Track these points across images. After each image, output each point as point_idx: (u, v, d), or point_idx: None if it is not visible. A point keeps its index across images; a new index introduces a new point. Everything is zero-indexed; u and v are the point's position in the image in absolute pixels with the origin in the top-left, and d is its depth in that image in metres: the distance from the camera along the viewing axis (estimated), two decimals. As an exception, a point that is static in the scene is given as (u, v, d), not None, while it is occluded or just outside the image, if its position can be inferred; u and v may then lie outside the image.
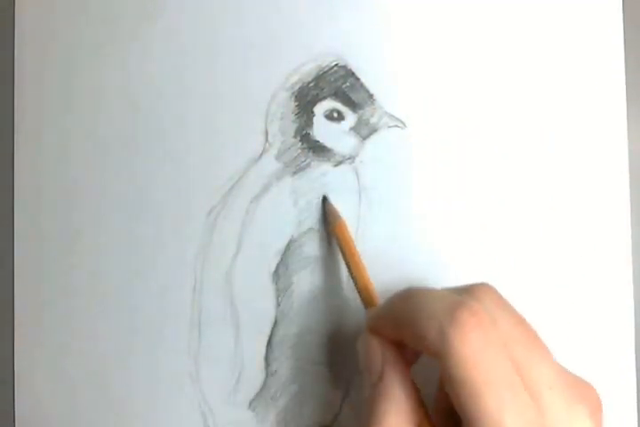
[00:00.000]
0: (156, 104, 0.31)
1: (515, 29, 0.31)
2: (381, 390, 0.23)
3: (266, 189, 0.31)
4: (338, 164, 0.31)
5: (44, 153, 0.31)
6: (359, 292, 0.28)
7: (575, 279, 0.31)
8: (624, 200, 0.31)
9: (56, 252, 0.31)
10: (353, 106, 0.31)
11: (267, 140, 0.31)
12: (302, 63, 0.31)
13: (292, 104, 0.31)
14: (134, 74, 0.31)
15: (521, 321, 0.23)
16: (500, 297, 0.23)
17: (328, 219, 0.30)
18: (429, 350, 0.21)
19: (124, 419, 0.31)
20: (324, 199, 0.30)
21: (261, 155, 0.31)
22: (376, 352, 0.24)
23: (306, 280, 0.30)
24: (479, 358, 0.21)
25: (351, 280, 0.30)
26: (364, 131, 0.31)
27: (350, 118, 0.31)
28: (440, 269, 0.31)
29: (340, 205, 0.31)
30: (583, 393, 0.22)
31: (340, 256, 0.30)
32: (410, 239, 0.31)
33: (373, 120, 0.31)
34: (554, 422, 0.21)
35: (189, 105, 0.31)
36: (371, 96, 0.31)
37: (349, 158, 0.31)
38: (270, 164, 0.31)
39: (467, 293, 0.23)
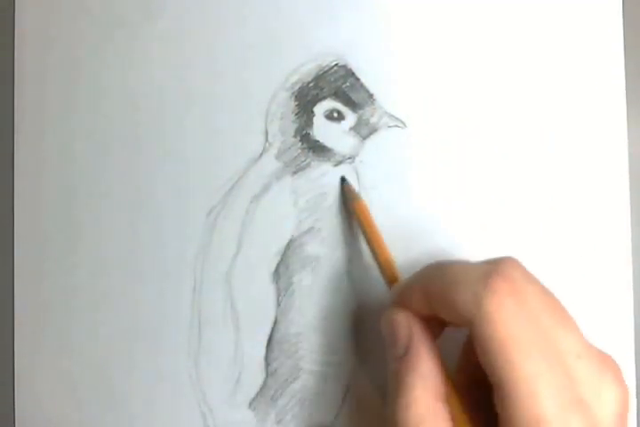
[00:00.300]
0: (156, 104, 0.31)
1: (515, 30, 0.31)
2: (408, 364, 0.23)
3: (266, 188, 0.31)
4: (338, 164, 0.31)
5: (44, 153, 0.31)
6: (381, 269, 0.28)
7: (575, 279, 0.31)
8: (624, 201, 0.31)
9: (56, 252, 0.31)
10: (353, 106, 0.31)
11: (267, 140, 0.31)
12: (302, 63, 0.31)
13: (292, 104, 0.31)
14: (134, 74, 0.31)
15: (548, 293, 0.23)
16: (525, 270, 0.23)
17: (347, 198, 0.30)
18: (463, 318, 0.22)
19: (124, 419, 0.31)
20: (343, 180, 0.30)
21: (261, 155, 0.31)
22: (402, 325, 0.24)
23: (306, 280, 0.30)
24: (514, 323, 0.21)
25: (351, 278, 0.30)
26: (364, 131, 0.31)
27: (350, 118, 0.31)
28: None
29: (341, 205, 0.31)
30: (608, 364, 0.22)
31: (340, 254, 0.30)
32: (410, 239, 0.31)
33: (373, 120, 0.31)
34: (584, 389, 0.21)
35: (189, 105, 0.31)
36: (371, 96, 0.31)
37: (349, 158, 0.31)
38: (270, 164, 0.31)
39: (495, 264, 0.23)
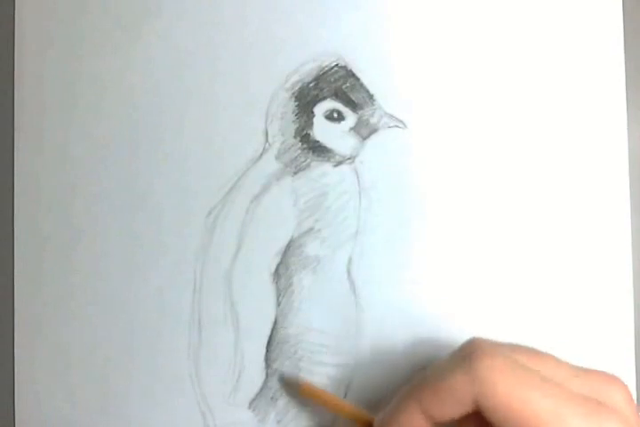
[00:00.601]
0: (156, 104, 0.31)
1: (515, 30, 0.31)
2: None
3: (266, 189, 0.31)
4: (338, 164, 0.31)
5: (44, 153, 0.31)
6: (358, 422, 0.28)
7: (575, 279, 0.31)
8: (624, 201, 0.31)
9: (56, 252, 0.31)
10: (353, 106, 0.31)
11: (267, 140, 0.31)
12: (302, 63, 0.31)
13: (292, 104, 0.31)
14: (134, 74, 0.31)
15: (517, 346, 0.24)
16: (489, 342, 0.24)
17: (293, 389, 0.30)
18: (465, 401, 0.22)
19: (124, 419, 0.31)
20: (281, 379, 0.30)
21: (261, 155, 0.31)
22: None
23: (306, 280, 0.30)
24: (514, 379, 0.22)
25: (350, 279, 0.30)
26: (364, 131, 0.31)
27: (350, 118, 0.31)
28: (439, 269, 0.31)
29: (340, 205, 0.31)
30: (609, 379, 0.23)
31: (340, 254, 0.30)
32: (410, 239, 0.31)
33: (373, 120, 0.31)
34: (597, 395, 0.22)
35: (189, 105, 0.31)
36: (371, 96, 0.31)
37: (349, 158, 0.31)
38: (270, 164, 0.31)
39: (464, 347, 0.24)
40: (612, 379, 0.24)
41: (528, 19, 0.31)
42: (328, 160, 0.31)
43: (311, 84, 0.31)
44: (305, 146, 0.31)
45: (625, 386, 0.23)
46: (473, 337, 0.25)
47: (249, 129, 0.31)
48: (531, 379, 0.22)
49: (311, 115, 0.31)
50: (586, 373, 0.23)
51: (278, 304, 0.30)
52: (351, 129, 0.31)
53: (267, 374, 0.30)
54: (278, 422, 0.30)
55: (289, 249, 0.30)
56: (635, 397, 0.30)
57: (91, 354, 0.31)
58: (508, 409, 0.22)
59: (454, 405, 0.23)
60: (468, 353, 0.23)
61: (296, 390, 0.30)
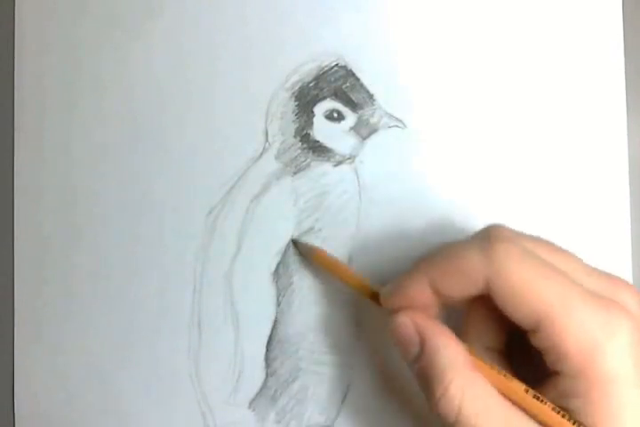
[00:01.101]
0: (156, 104, 0.31)
1: (515, 29, 0.31)
2: (428, 357, 0.24)
3: (266, 188, 0.31)
4: (338, 164, 0.31)
5: (44, 153, 0.32)
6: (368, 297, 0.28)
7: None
8: (624, 200, 0.31)
9: (56, 252, 0.31)
10: (353, 106, 0.31)
11: (267, 140, 0.31)
12: (302, 63, 0.31)
13: (292, 104, 0.31)
14: (134, 74, 0.31)
15: (538, 238, 0.25)
16: (510, 228, 0.25)
17: (305, 255, 0.30)
18: (475, 282, 0.23)
19: (123, 419, 0.31)
20: (294, 242, 0.30)
21: (261, 155, 0.31)
22: (407, 324, 0.24)
23: (306, 280, 0.30)
24: (526, 264, 0.22)
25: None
26: (364, 131, 0.31)
27: (350, 118, 0.31)
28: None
29: (340, 204, 0.31)
30: (624, 284, 0.24)
31: (340, 254, 0.30)
32: (410, 239, 0.31)
33: (373, 120, 0.31)
34: (607, 293, 0.23)
35: (189, 105, 0.31)
36: (371, 96, 0.31)
37: (349, 158, 0.31)
38: (270, 164, 0.31)
39: (485, 230, 0.25)
40: (627, 284, 0.24)
41: (528, 19, 0.31)
42: (328, 160, 0.31)
43: (311, 84, 0.31)
44: (305, 146, 0.31)
45: (636, 290, 0.24)
46: (494, 224, 0.25)
47: (249, 129, 0.31)
48: (545, 268, 0.22)
49: (311, 115, 0.31)
50: (600, 274, 0.24)
51: (278, 304, 0.30)
52: (351, 129, 0.31)
53: (267, 374, 0.30)
54: (278, 422, 0.30)
55: (289, 249, 0.30)
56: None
57: (91, 354, 0.31)
58: (518, 292, 0.22)
59: (465, 283, 0.23)
60: (488, 235, 0.23)
61: (309, 256, 0.30)
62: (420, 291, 0.24)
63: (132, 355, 0.31)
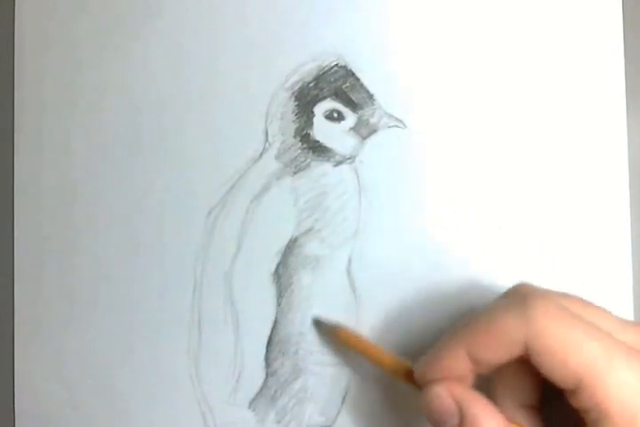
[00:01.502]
0: (156, 104, 0.31)
1: (515, 30, 0.31)
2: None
3: (266, 188, 0.31)
4: (338, 164, 0.31)
5: (44, 153, 0.31)
6: (400, 375, 0.27)
7: (575, 280, 0.31)
8: (624, 200, 0.31)
9: (56, 252, 0.31)
10: (353, 106, 0.31)
11: (267, 140, 0.31)
12: (302, 63, 0.31)
13: (292, 104, 0.31)
14: (134, 74, 0.31)
15: (567, 294, 0.24)
16: (540, 288, 0.25)
17: (331, 334, 0.30)
18: (514, 344, 0.22)
19: (124, 419, 0.31)
20: (317, 322, 0.30)
21: (261, 155, 0.31)
22: (444, 396, 0.24)
23: (306, 280, 0.30)
24: (564, 323, 0.22)
25: (350, 279, 0.30)
26: (364, 131, 0.31)
27: (350, 118, 0.31)
28: (442, 269, 0.31)
29: (340, 205, 0.31)
30: None
31: (340, 254, 0.30)
32: (410, 239, 0.31)
33: (373, 120, 0.31)
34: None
35: (189, 105, 0.31)
36: (371, 96, 0.31)
37: (349, 158, 0.31)
38: (270, 164, 0.31)
39: (514, 289, 0.25)
40: None
41: (528, 19, 0.31)
42: (328, 160, 0.31)
43: (311, 84, 0.31)
44: (305, 146, 0.31)
45: None
46: (522, 282, 0.25)
47: (249, 129, 0.31)
48: (583, 325, 0.22)
49: (311, 115, 0.31)
50: (635, 326, 0.23)
51: (278, 304, 0.30)
52: (351, 129, 0.31)
53: (267, 374, 0.30)
54: (278, 422, 0.30)
55: (289, 249, 0.30)
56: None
57: (91, 354, 0.31)
58: (559, 353, 0.22)
59: (504, 347, 0.23)
60: (522, 296, 0.23)
61: (335, 337, 0.29)
62: (458, 360, 0.24)
63: (132, 355, 0.31)
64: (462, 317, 0.26)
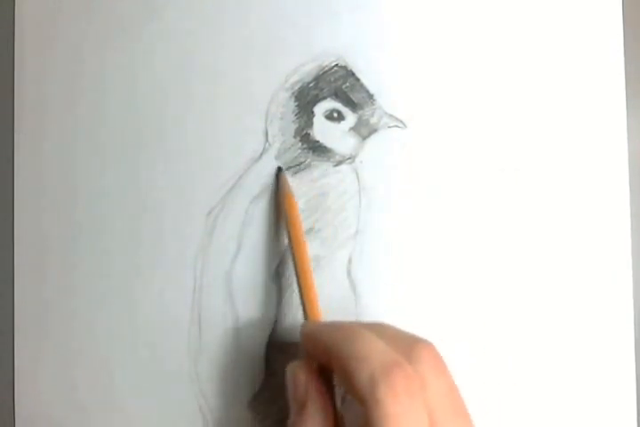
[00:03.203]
0: (157, 104, 0.31)
1: (515, 30, 0.31)
2: (303, 419, 0.24)
3: (266, 188, 0.31)
4: (338, 164, 0.31)
5: (44, 153, 0.31)
6: (301, 295, 0.28)
7: (575, 280, 0.31)
8: (624, 200, 0.31)
9: (56, 252, 0.31)
10: (353, 106, 0.31)
11: (267, 140, 0.31)
12: (302, 63, 0.31)
13: (292, 104, 0.31)
14: (134, 74, 0.31)
15: (451, 390, 0.23)
16: (438, 361, 0.24)
17: (280, 190, 0.30)
18: (355, 394, 0.22)
19: (124, 419, 0.31)
20: (280, 169, 0.30)
21: (261, 155, 0.31)
22: (300, 382, 0.25)
23: (306, 280, 0.30)
24: (402, 419, 0.21)
25: (350, 279, 0.30)
26: (364, 131, 0.31)
27: (350, 118, 0.31)
28: (439, 269, 0.31)
29: (340, 205, 0.31)
30: None
31: (340, 254, 0.30)
32: (410, 239, 0.31)
33: (373, 120, 0.31)
34: None
35: (189, 105, 0.31)
36: (371, 96, 0.31)
37: (349, 158, 0.31)
38: (270, 164, 0.31)
39: (408, 349, 0.23)
40: None
41: (528, 19, 0.31)
42: (328, 160, 0.31)
43: (311, 84, 0.31)
44: (305, 146, 0.31)
45: None
46: (425, 346, 0.24)
47: (249, 129, 0.31)
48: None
49: (311, 115, 0.31)
50: None
51: (278, 304, 0.30)
52: (351, 129, 0.31)
53: (267, 374, 0.30)
54: (278, 422, 0.30)
55: (289, 249, 0.30)
56: (634, 400, 0.31)
57: (91, 354, 0.31)
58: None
59: (346, 383, 0.23)
60: (396, 368, 0.22)
61: (284, 195, 0.29)
62: (322, 357, 0.25)
63: (131, 355, 0.31)
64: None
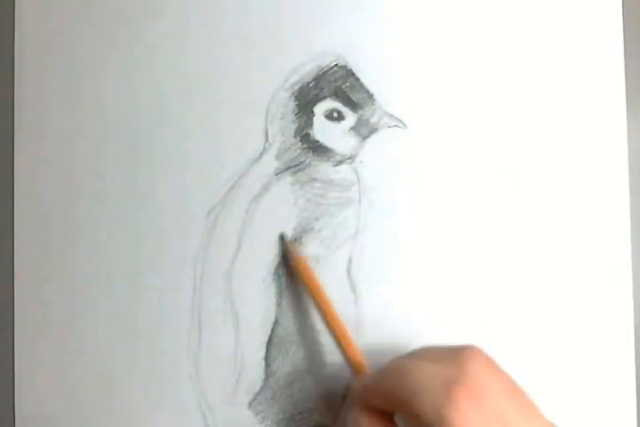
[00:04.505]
0: (157, 104, 0.31)
1: (515, 30, 0.31)
2: None
3: (266, 188, 0.31)
4: (338, 163, 0.31)
5: (44, 153, 0.31)
6: (343, 352, 0.28)
7: (575, 280, 0.31)
8: (624, 200, 0.31)
9: (56, 252, 0.31)
10: (353, 106, 0.31)
11: (267, 140, 0.31)
12: (302, 63, 0.31)
13: (292, 104, 0.31)
14: (135, 74, 0.31)
15: (510, 386, 0.24)
16: (489, 363, 0.24)
17: (288, 258, 0.30)
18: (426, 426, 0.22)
19: (124, 419, 0.31)
20: (282, 238, 0.30)
21: (261, 155, 0.31)
22: None
23: (306, 280, 0.30)
24: None
25: (350, 279, 0.30)
26: (364, 131, 0.31)
27: (350, 118, 0.31)
28: (439, 269, 0.31)
29: (340, 205, 0.31)
30: None
31: (340, 254, 0.30)
32: (410, 239, 0.31)
33: (373, 120, 0.31)
34: None
35: (190, 105, 0.31)
36: (371, 96, 0.31)
37: (349, 158, 0.31)
38: (270, 164, 0.31)
39: (456, 361, 0.23)
40: None
41: (528, 19, 0.31)
42: (328, 160, 0.31)
43: (311, 84, 0.31)
44: (305, 146, 0.31)
45: None
46: (472, 351, 0.24)
47: (249, 129, 0.31)
48: None
49: (311, 114, 0.31)
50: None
51: (278, 304, 0.30)
52: (351, 129, 0.31)
53: (267, 374, 0.30)
54: (278, 422, 0.30)
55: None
56: (634, 400, 0.30)
57: (91, 354, 0.31)
58: None
59: (414, 421, 0.23)
60: (454, 384, 0.22)
61: (297, 260, 0.29)
62: (382, 405, 0.24)
63: (132, 355, 0.31)
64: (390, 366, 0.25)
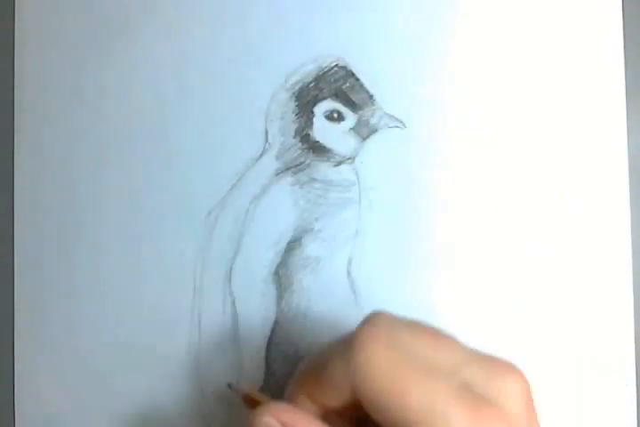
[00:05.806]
0: (156, 104, 0.31)
1: (515, 30, 0.31)
2: None
3: (266, 189, 0.31)
4: (338, 164, 0.31)
5: (44, 153, 0.31)
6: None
7: (575, 280, 0.31)
8: (624, 200, 0.31)
9: (56, 252, 0.31)
10: (353, 106, 0.31)
11: (267, 140, 0.31)
12: (302, 63, 0.31)
13: (292, 104, 0.31)
14: (134, 74, 0.31)
15: (415, 323, 0.23)
16: (389, 315, 0.23)
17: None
18: (345, 392, 0.21)
19: (124, 419, 0.31)
20: (229, 385, 0.28)
21: (261, 155, 0.31)
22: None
23: (306, 280, 0.31)
24: (392, 365, 0.21)
25: (350, 279, 0.30)
26: (364, 131, 0.31)
27: (350, 119, 0.31)
28: (439, 269, 0.31)
29: (340, 205, 0.31)
30: (506, 370, 0.22)
31: (340, 254, 0.30)
32: (410, 239, 0.31)
33: (373, 121, 0.31)
34: (485, 388, 0.21)
35: (189, 105, 0.31)
36: (371, 96, 0.31)
37: (349, 159, 0.31)
38: (270, 164, 0.31)
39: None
40: (508, 369, 0.21)
41: (529, 19, 0.31)
42: (328, 160, 0.31)
43: (311, 85, 0.31)
44: (305, 146, 0.31)
45: (521, 377, 0.21)
46: (369, 313, 0.23)
47: (249, 129, 0.31)
48: (411, 374, 0.21)
49: (311, 115, 0.31)
50: (481, 360, 0.22)
51: (278, 304, 0.30)
52: (351, 129, 0.31)
53: (266, 375, 0.30)
54: (278, 422, 0.30)
55: (289, 249, 0.30)
56: (634, 400, 0.30)
57: (91, 354, 0.31)
58: (384, 404, 0.20)
59: (336, 394, 0.22)
60: (350, 341, 0.21)
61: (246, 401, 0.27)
62: (305, 407, 0.23)
63: (132, 355, 0.31)
64: (306, 358, 0.25)
